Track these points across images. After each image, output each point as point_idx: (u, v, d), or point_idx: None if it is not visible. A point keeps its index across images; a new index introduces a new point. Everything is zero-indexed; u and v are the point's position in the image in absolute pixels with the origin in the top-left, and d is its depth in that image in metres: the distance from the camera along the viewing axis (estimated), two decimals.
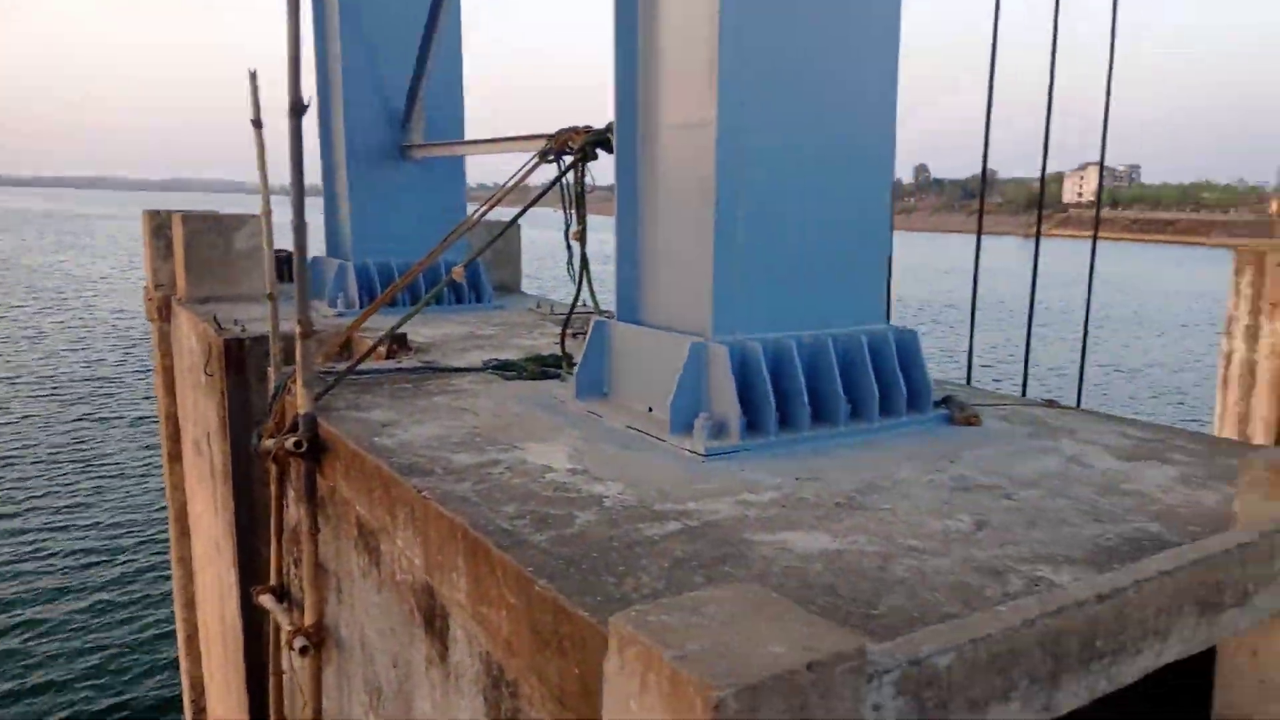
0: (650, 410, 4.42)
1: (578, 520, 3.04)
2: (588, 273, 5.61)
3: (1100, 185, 8.80)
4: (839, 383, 4.23)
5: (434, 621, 3.47)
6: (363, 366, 5.47)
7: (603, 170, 5.53)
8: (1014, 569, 2.59)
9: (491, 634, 2.93)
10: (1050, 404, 4.86)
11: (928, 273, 66.54)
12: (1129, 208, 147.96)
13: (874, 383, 4.30)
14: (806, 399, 4.14)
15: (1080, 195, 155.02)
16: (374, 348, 5.19)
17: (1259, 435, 17.34)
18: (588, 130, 5.50)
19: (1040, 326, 36.27)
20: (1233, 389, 18.04)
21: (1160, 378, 30.94)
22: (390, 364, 5.84)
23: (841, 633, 1.27)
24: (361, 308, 8.02)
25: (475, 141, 8.68)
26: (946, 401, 4.56)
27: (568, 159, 5.62)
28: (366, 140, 8.89)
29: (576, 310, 6.13)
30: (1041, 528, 2.93)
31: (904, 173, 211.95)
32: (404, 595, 3.74)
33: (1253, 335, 17.90)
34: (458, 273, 5.13)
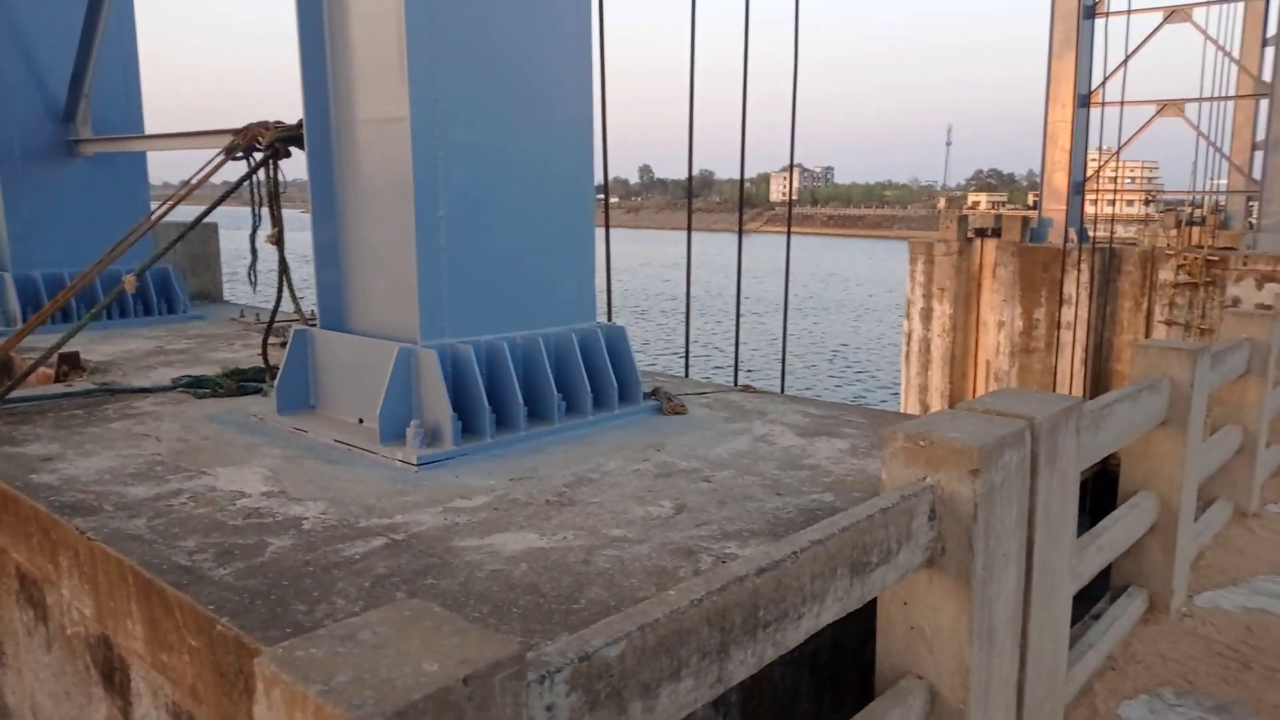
0: (360, 421, 4.22)
1: (270, 547, 2.83)
2: (288, 277, 5.26)
3: (791, 184, 9.60)
4: (553, 381, 4.28)
5: (113, 676, 3.09)
6: (22, 392, 4.76)
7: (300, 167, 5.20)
8: (706, 548, 2.74)
9: (176, 682, 2.65)
10: (747, 389, 5.21)
11: (655, 268, 69.55)
12: (826, 205, 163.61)
13: (586, 379, 4.39)
14: (522, 399, 4.14)
15: (784, 194, 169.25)
16: (31, 370, 4.53)
17: (935, 403, 19.84)
18: (278, 125, 5.14)
19: (756, 315, 39.13)
20: (914, 364, 20.52)
21: (859, 356, 34.43)
22: (58, 388, 5.13)
23: (501, 641, 1.25)
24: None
25: (152, 136, 7.85)
26: (656, 393, 4.76)
27: (258, 156, 5.23)
28: (24, 136, 7.74)
29: (283, 317, 5.74)
30: (731, 506, 3.13)
31: (630, 173, 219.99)
32: (77, 650, 3.30)
33: (927, 317, 20.46)
34: (129, 281, 4.60)
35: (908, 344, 20.09)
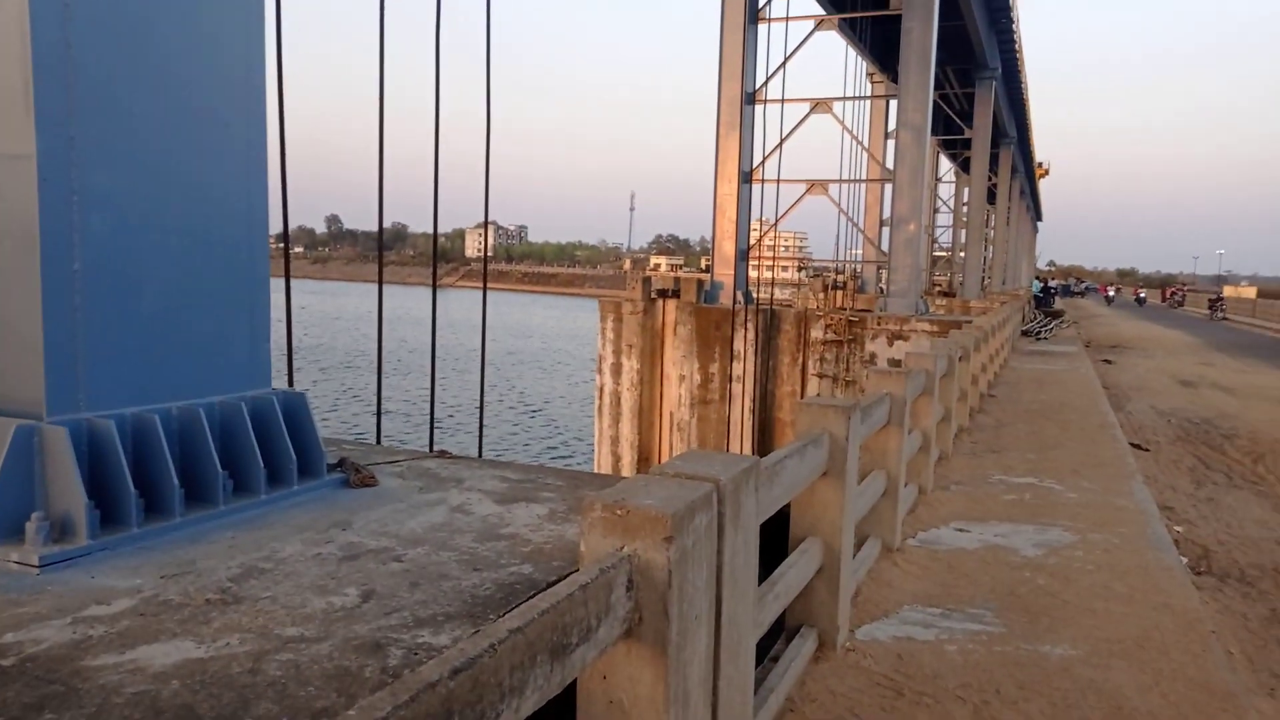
0: None
1: None
2: None
3: (486, 240, 9.60)
4: (217, 458, 3.81)
5: None
6: None
7: None
8: (396, 640, 2.53)
9: None
10: (443, 454, 5.02)
11: (346, 322, 66.48)
12: (521, 262, 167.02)
13: (259, 454, 3.96)
14: (178, 480, 3.63)
15: (479, 250, 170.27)
16: None
17: (626, 454, 20.68)
18: None
19: (454, 372, 38.63)
20: (606, 417, 21.27)
21: (558, 412, 35.02)
22: None
23: None
24: None
25: None
26: (342, 464, 4.42)
27: None
28: None
29: None
30: (426, 587, 2.93)
31: (317, 222, 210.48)
32: None
33: (618, 372, 21.37)
34: None
35: (600, 398, 20.80)
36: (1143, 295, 76.94)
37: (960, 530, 5.99)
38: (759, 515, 3.17)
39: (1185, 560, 5.97)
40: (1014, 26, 28.83)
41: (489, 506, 3.95)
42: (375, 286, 7.61)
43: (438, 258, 9.42)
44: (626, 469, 19.93)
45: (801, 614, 4.20)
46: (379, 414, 7.39)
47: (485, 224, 9.49)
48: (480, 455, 6.61)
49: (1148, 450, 10.50)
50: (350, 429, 24.65)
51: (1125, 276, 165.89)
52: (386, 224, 7.77)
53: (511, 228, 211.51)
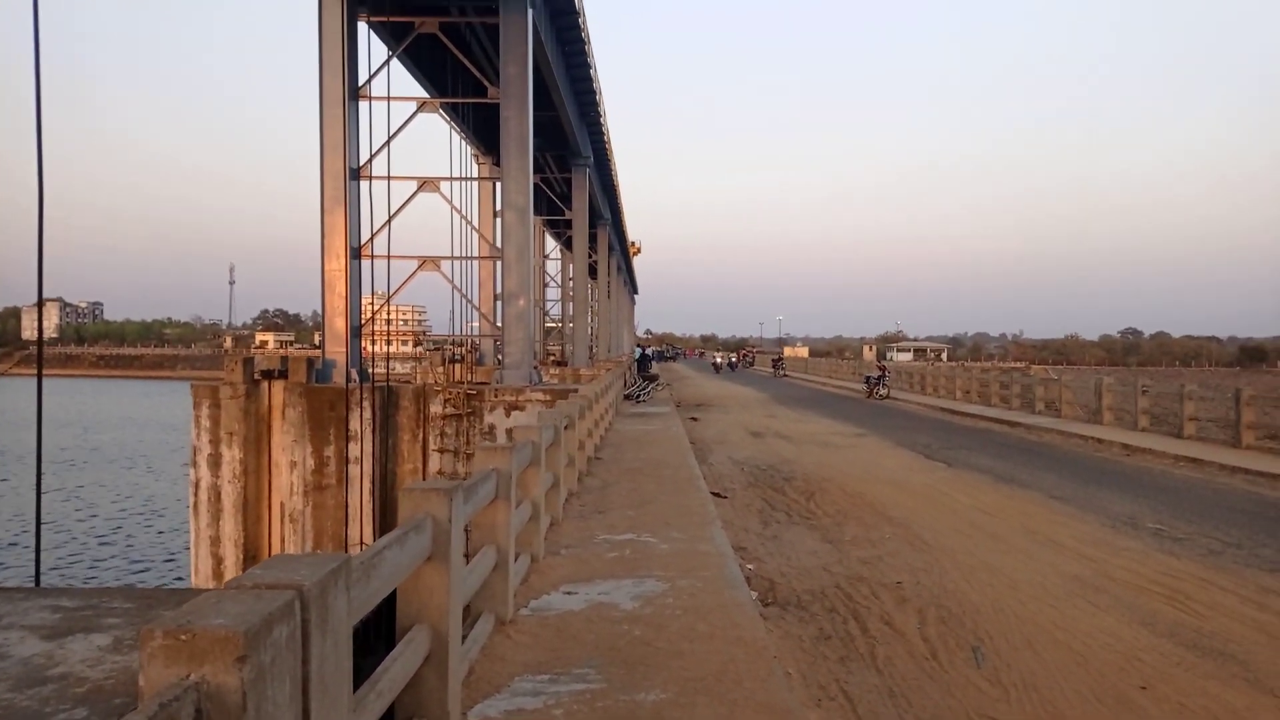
0: None
1: None
2: None
3: (41, 320, 8.35)
4: None
5: None
6: None
7: None
8: None
9: None
10: None
11: None
12: (97, 343, 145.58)
13: None
14: None
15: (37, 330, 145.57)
16: None
17: (230, 554, 18.77)
18: None
19: (12, 476, 32.28)
20: (204, 514, 19.13)
21: (141, 517, 30.49)
22: None
23: None
24: None
25: None
26: None
27: None
28: None
29: None
30: None
31: None
32: None
33: (216, 463, 19.37)
34: None
35: (196, 494, 18.75)
36: (734, 360, 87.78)
37: (569, 593, 6.31)
38: (353, 615, 3.10)
39: (755, 595, 6.86)
40: (602, 121, 31.82)
41: (34, 645, 3.40)
42: None
43: None
44: (230, 571, 18.12)
45: (411, 706, 4.14)
46: None
47: (40, 302, 8.30)
48: (39, 582, 5.67)
49: (725, 497, 11.92)
50: None
51: (708, 341, 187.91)
52: None
53: (82, 304, 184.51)
